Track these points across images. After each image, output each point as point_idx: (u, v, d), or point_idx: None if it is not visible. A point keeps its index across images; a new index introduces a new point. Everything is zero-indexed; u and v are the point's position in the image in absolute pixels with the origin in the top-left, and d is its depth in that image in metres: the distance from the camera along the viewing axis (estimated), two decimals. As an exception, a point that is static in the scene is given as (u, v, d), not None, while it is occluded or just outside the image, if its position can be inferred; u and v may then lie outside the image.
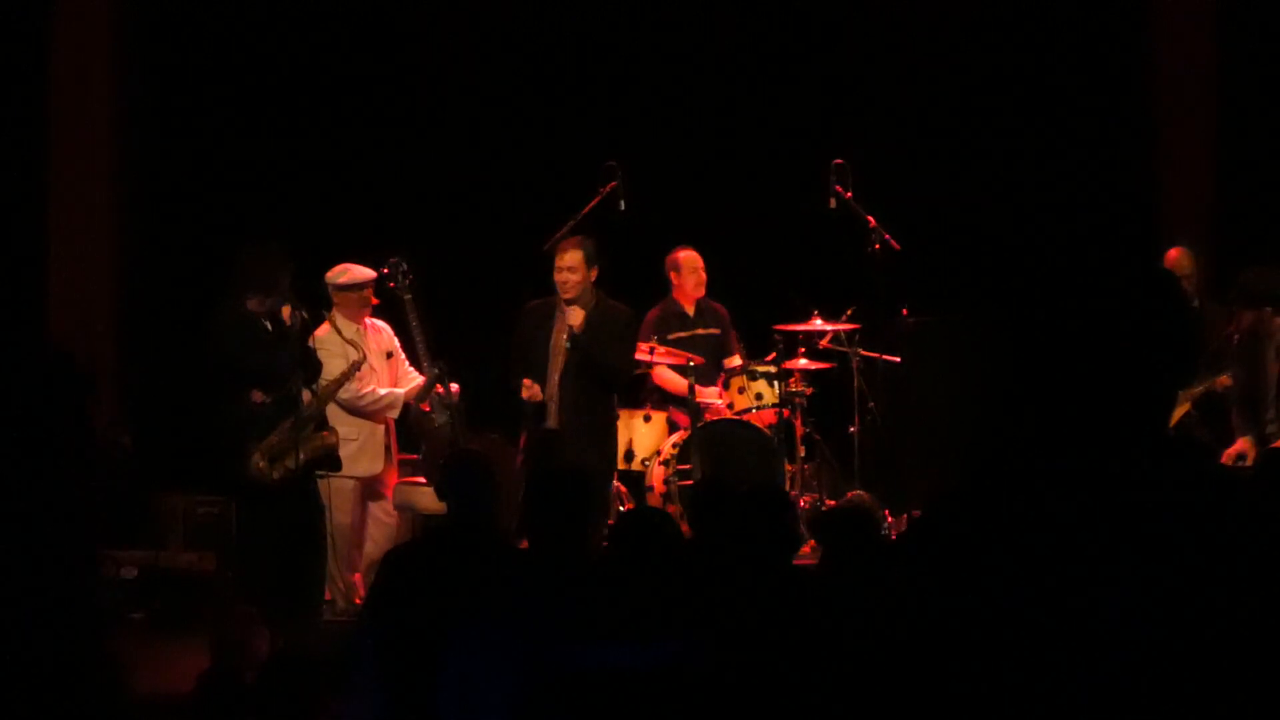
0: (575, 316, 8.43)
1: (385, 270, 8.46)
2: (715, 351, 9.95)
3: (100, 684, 4.59)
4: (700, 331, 9.91)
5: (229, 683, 4.85)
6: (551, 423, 8.52)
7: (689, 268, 9.87)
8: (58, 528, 4.97)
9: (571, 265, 8.44)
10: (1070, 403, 2.54)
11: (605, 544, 4.95)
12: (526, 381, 8.47)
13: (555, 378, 8.57)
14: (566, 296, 8.52)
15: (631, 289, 10.21)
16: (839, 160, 9.60)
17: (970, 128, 11.09)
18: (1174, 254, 9.54)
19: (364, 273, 8.54)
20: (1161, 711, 2.44)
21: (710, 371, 9.84)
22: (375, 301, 8.63)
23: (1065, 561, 2.62)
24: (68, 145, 10.42)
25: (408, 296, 8.41)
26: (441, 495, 6.16)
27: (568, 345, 8.45)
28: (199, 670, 5.26)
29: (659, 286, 10.04)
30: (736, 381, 9.67)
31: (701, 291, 9.94)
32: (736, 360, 9.92)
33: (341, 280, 8.56)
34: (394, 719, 5.16)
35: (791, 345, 9.67)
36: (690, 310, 9.95)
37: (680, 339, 9.74)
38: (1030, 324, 2.55)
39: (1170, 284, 2.52)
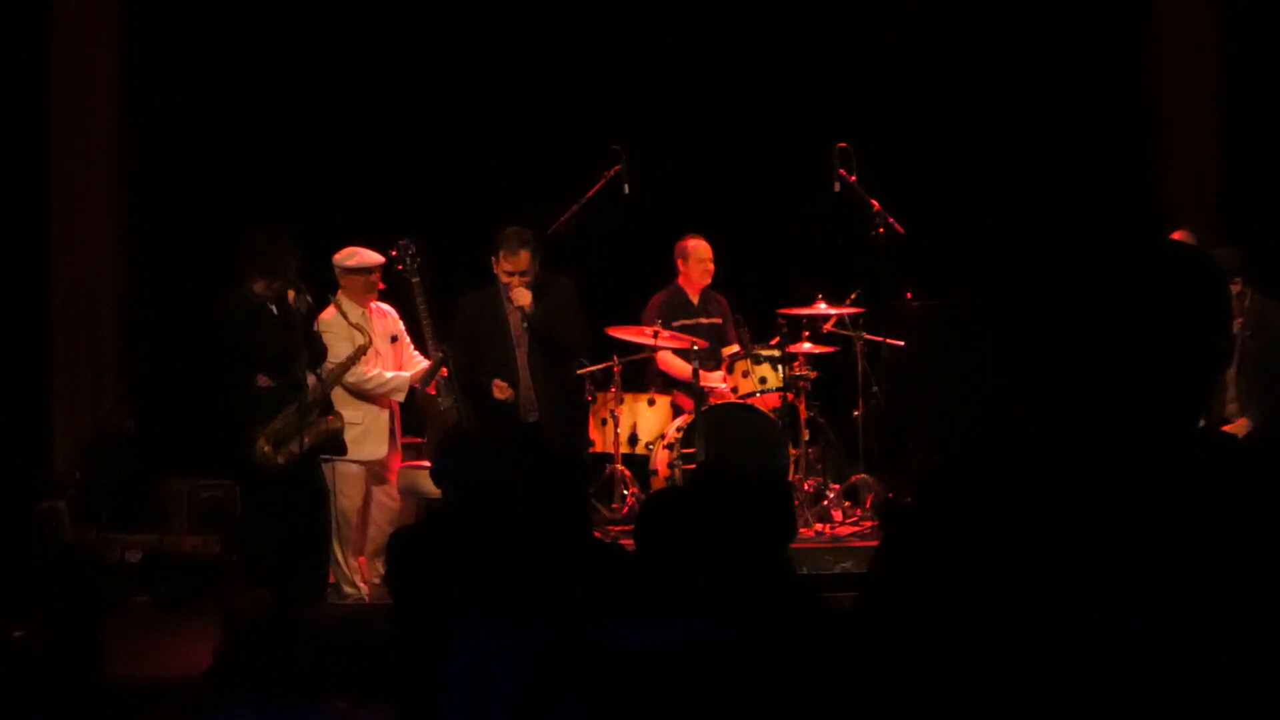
0: (524, 297, 8.67)
1: (394, 253, 8.45)
2: (717, 340, 9.96)
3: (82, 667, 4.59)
4: (704, 320, 9.93)
5: (244, 657, 4.84)
6: (526, 409, 8.71)
7: (697, 257, 9.88)
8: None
9: (525, 269, 8.65)
10: (1095, 390, 2.50)
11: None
12: (499, 384, 8.61)
13: (522, 361, 8.78)
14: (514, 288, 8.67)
15: (634, 271, 10.23)
16: (843, 144, 9.59)
17: (974, 112, 11.09)
18: (1176, 238, 9.54)
19: (372, 257, 8.52)
20: (1178, 699, 2.43)
21: (712, 358, 9.86)
22: (382, 286, 8.61)
23: (1080, 546, 2.61)
24: (71, 127, 10.40)
25: (415, 279, 8.40)
26: (437, 481, 6.16)
27: (525, 327, 8.64)
28: (207, 652, 5.23)
29: (663, 269, 10.04)
30: (741, 366, 9.67)
31: (708, 281, 9.96)
32: (736, 348, 9.93)
33: (350, 264, 8.53)
34: (408, 707, 5.16)
35: (795, 329, 9.67)
36: (695, 299, 9.96)
37: (684, 326, 9.75)
38: (1061, 311, 2.50)
39: (1208, 267, 2.46)
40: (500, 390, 8.61)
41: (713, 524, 4.42)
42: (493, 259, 8.76)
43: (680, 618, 3.90)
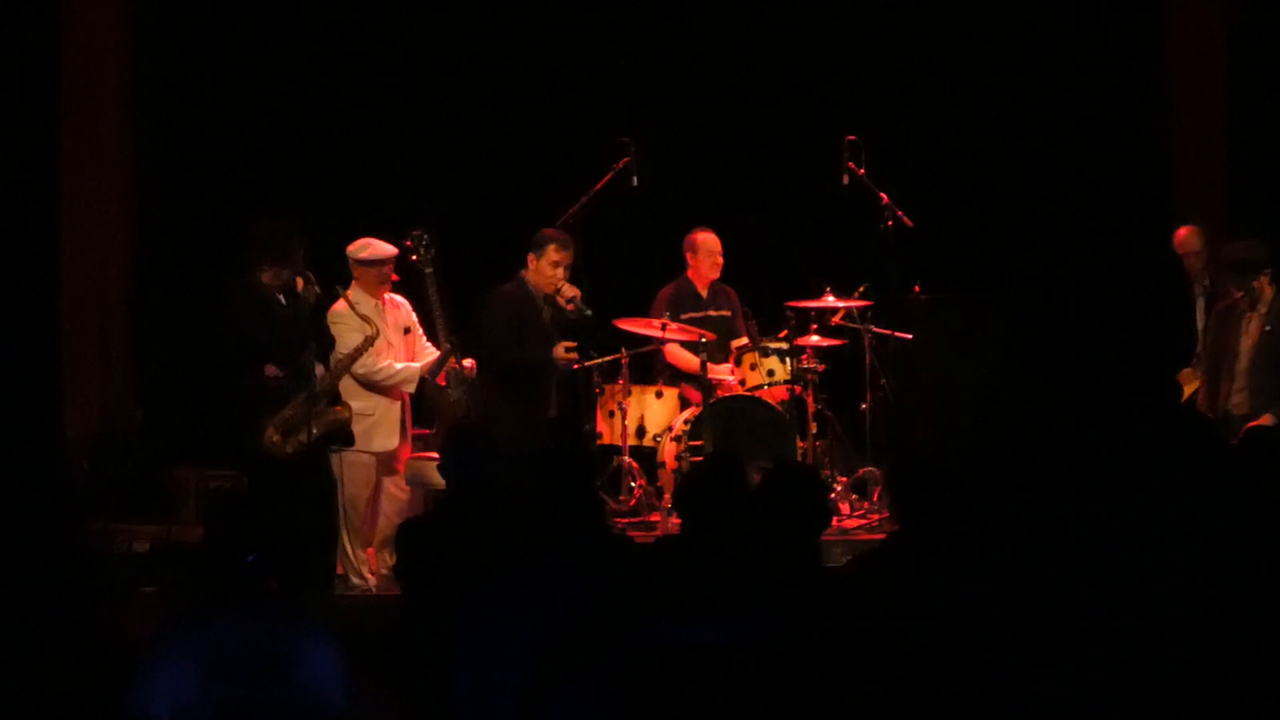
0: (572, 289, 8.72)
1: (409, 243, 8.44)
2: (726, 333, 9.96)
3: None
4: (712, 313, 9.93)
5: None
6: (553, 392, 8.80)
7: (706, 250, 9.87)
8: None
9: (568, 263, 8.73)
10: (1080, 382, 2.54)
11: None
12: (566, 344, 8.72)
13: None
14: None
15: (643, 264, 10.23)
16: (852, 137, 9.59)
17: (983, 105, 11.08)
18: (1184, 232, 9.53)
19: (386, 249, 8.49)
20: (1170, 685, 2.44)
21: (720, 350, 9.86)
22: (395, 278, 8.59)
23: (1078, 537, 2.62)
24: (80, 116, 10.40)
25: (429, 270, 8.40)
26: (443, 472, 6.17)
27: (589, 314, 8.72)
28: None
29: (671, 262, 10.03)
30: (749, 358, 9.68)
31: (717, 274, 9.95)
32: (744, 341, 9.93)
33: (363, 255, 8.51)
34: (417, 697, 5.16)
35: (803, 322, 9.67)
36: (704, 292, 9.96)
37: (693, 319, 9.76)
38: (1044, 308, 2.54)
39: (1171, 274, 2.51)
40: (567, 351, 8.70)
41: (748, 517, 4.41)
42: (531, 255, 8.72)
43: (724, 617, 3.91)
